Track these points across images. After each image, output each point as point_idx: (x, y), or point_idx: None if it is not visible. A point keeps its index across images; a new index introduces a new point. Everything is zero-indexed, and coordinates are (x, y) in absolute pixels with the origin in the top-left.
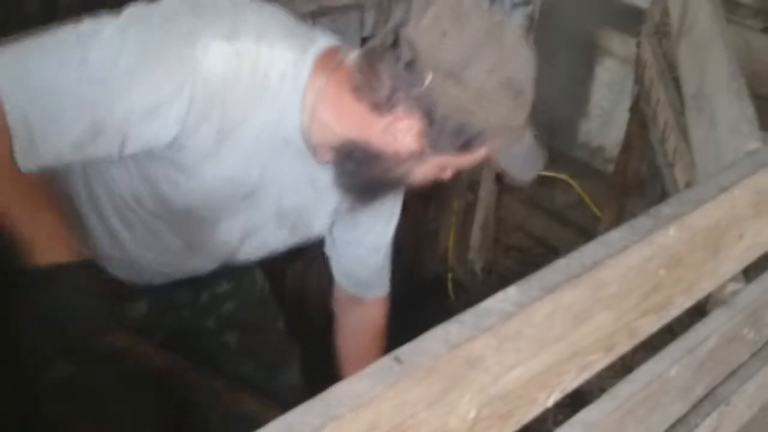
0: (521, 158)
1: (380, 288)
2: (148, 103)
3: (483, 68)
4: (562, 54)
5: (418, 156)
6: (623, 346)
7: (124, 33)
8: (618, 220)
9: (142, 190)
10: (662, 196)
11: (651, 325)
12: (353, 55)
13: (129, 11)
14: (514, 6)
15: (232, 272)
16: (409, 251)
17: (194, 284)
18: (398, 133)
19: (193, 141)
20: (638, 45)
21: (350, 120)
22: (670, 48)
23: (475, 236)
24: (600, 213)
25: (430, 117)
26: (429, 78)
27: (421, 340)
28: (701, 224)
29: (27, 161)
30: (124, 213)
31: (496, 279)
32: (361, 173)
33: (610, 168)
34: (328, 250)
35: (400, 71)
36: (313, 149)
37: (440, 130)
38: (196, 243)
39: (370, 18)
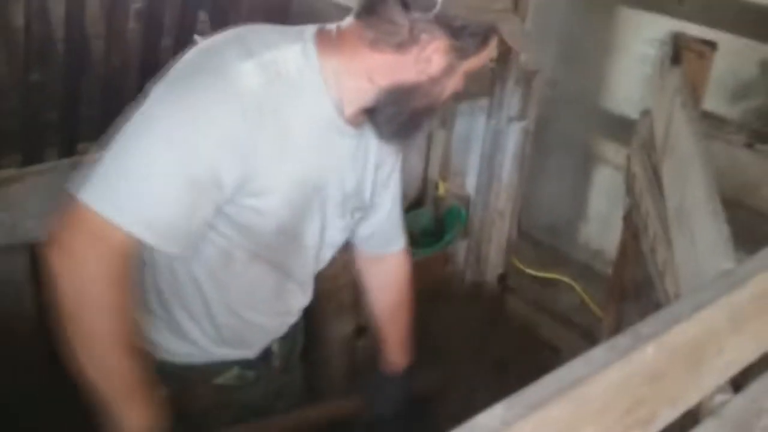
0: (521, 35)
1: (399, 239)
2: (216, 140)
3: None
4: (560, 161)
5: (449, 69)
6: None
7: (167, 102)
8: (618, 324)
9: (233, 240)
10: (657, 304)
11: None
12: (347, 23)
13: (160, 86)
14: (510, 120)
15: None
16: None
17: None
18: (429, 59)
19: (259, 158)
20: (628, 158)
21: (378, 72)
22: (657, 162)
23: None
24: (602, 315)
25: (451, 30)
26: None
27: None
28: (679, 341)
29: (169, 246)
30: (218, 277)
31: None
32: (402, 111)
33: (610, 270)
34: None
35: (409, 4)
36: (348, 120)
37: (463, 38)
38: (290, 266)
39: None
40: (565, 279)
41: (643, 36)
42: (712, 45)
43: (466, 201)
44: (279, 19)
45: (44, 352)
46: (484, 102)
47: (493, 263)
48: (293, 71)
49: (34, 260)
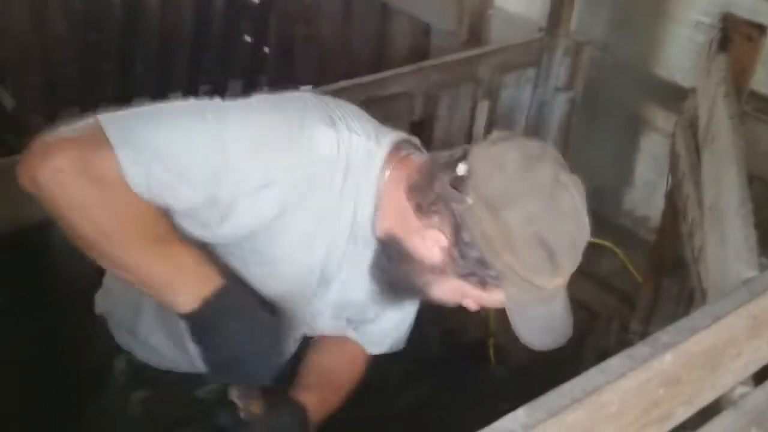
0: (539, 324)
1: (379, 347)
2: (262, 179)
3: (521, 213)
4: (608, 126)
5: (439, 271)
6: None
7: (247, 117)
8: (656, 296)
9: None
10: (690, 287)
11: None
12: (420, 156)
13: (249, 100)
14: (556, 90)
15: None
16: (452, 317)
17: None
18: (428, 241)
19: (290, 225)
20: (673, 136)
21: (397, 215)
22: (699, 147)
23: None
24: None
25: (457, 236)
26: (469, 200)
27: None
28: (697, 349)
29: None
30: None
31: None
32: (390, 270)
33: (653, 238)
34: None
35: (450, 183)
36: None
37: (463, 254)
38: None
39: (418, 104)
40: (608, 244)
41: (697, 3)
42: (761, 28)
43: None
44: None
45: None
46: (530, 72)
47: None
48: (356, 163)
49: None
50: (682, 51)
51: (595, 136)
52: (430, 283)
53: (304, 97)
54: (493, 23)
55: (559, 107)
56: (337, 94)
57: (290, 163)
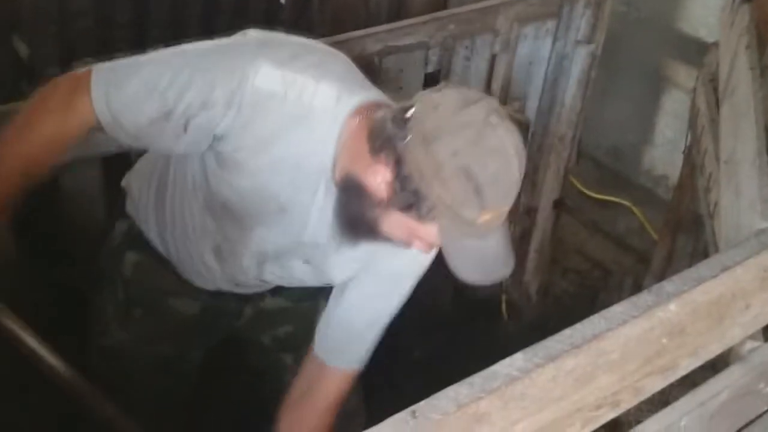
0: (471, 258)
1: (350, 361)
2: (203, 98)
3: (449, 146)
4: (628, 83)
5: (385, 205)
6: (628, 403)
7: (202, 50)
8: (671, 253)
9: (199, 179)
10: (705, 243)
11: (656, 384)
12: (388, 109)
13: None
14: (577, 43)
15: (289, 295)
16: None
17: (240, 297)
18: (376, 175)
19: (236, 142)
20: (694, 90)
21: (355, 156)
22: (720, 100)
23: (531, 259)
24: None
25: (398, 170)
26: (409, 137)
27: (434, 398)
28: (702, 299)
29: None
30: (182, 200)
31: (552, 300)
32: (348, 205)
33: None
34: (331, 297)
35: (394, 123)
36: (335, 182)
37: (402, 187)
38: (230, 247)
39: (434, 55)
40: (625, 202)
41: None
42: None
43: (524, 126)
44: None
45: None
46: (550, 24)
47: (550, 188)
48: (317, 107)
49: (106, 173)
50: (707, 6)
51: (615, 92)
52: (378, 217)
53: (275, 40)
54: None
55: (579, 61)
56: (351, 44)
57: (230, 89)
